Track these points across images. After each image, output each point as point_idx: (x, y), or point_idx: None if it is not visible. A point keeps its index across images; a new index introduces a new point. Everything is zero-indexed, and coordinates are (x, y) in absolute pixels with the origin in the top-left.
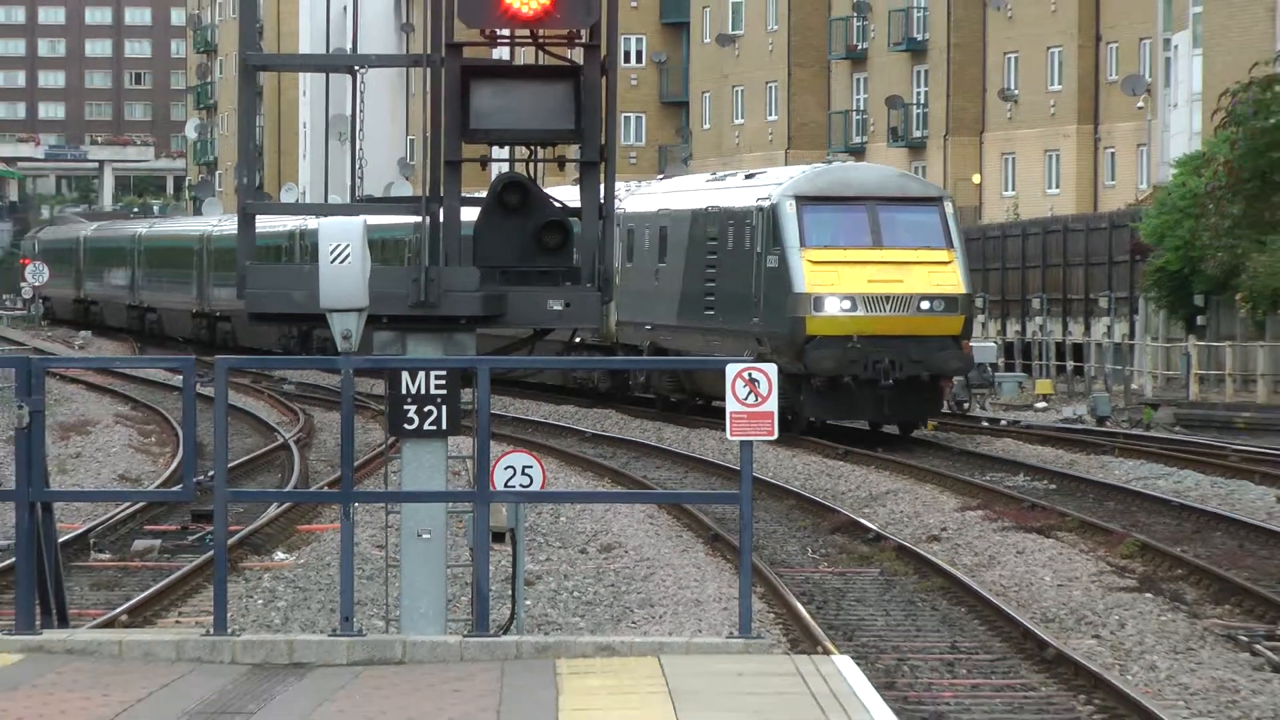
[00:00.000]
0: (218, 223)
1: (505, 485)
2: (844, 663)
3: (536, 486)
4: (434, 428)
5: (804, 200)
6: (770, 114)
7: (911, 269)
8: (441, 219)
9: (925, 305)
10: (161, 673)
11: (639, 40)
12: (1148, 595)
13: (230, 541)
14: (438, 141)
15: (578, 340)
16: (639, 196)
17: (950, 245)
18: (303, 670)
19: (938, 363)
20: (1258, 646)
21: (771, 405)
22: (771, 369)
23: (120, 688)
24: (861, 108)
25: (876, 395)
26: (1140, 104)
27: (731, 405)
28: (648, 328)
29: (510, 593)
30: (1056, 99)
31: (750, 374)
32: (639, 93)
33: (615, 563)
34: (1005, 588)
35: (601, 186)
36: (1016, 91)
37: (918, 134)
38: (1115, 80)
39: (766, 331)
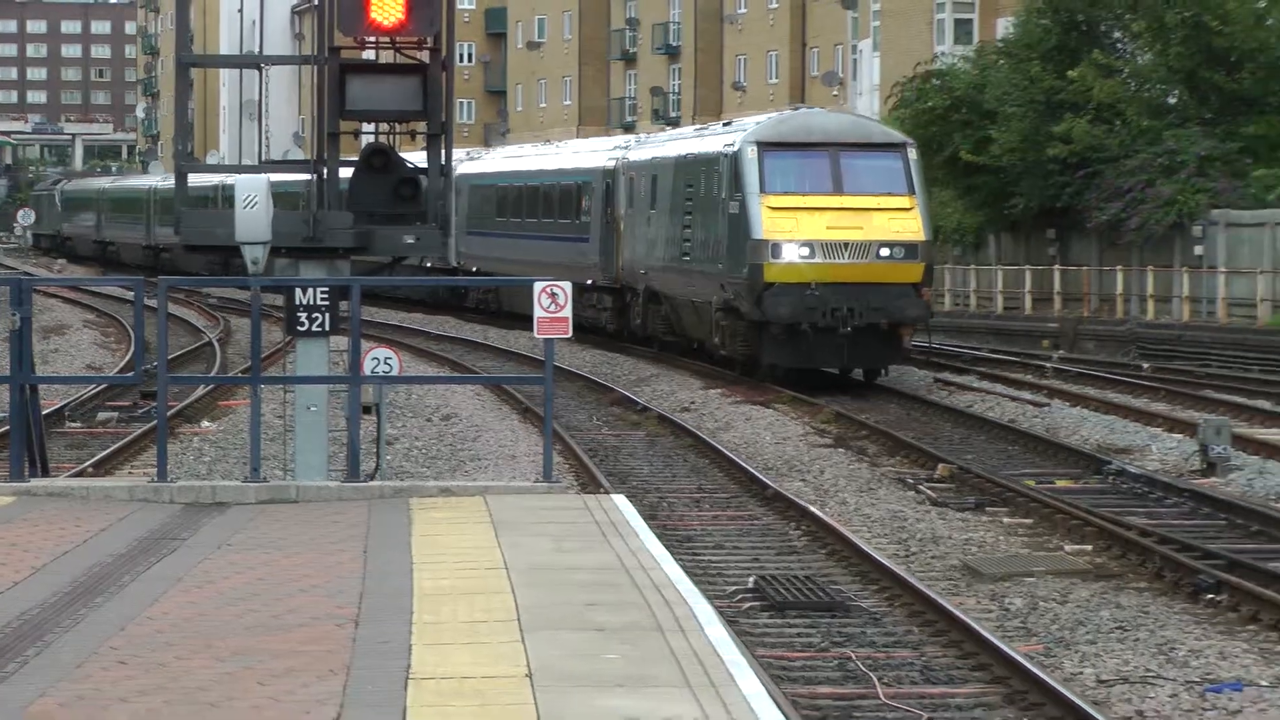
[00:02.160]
0: (161, 179)
1: (372, 371)
2: (620, 500)
3: (395, 372)
4: (319, 329)
5: (765, 146)
6: (566, 100)
7: (872, 215)
8: (325, 176)
9: (885, 252)
10: (119, 510)
11: (470, 45)
12: (841, 450)
13: (169, 414)
14: (323, 119)
15: (589, 282)
16: (640, 149)
17: (912, 191)
18: (223, 507)
19: (896, 310)
20: (920, 487)
21: (567, 312)
22: (567, 286)
23: (89, 520)
24: (633, 96)
25: (835, 343)
26: (835, 93)
27: (538, 312)
28: (642, 271)
29: (375, 450)
30: (774, 89)
31: (552, 289)
32: (469, 84)
33: (453, 429)
34: (737, 445)
35: (442, 152)
36: (745, 84)
37: (674, 115)
38: (817, 75)
39: (728, 278)
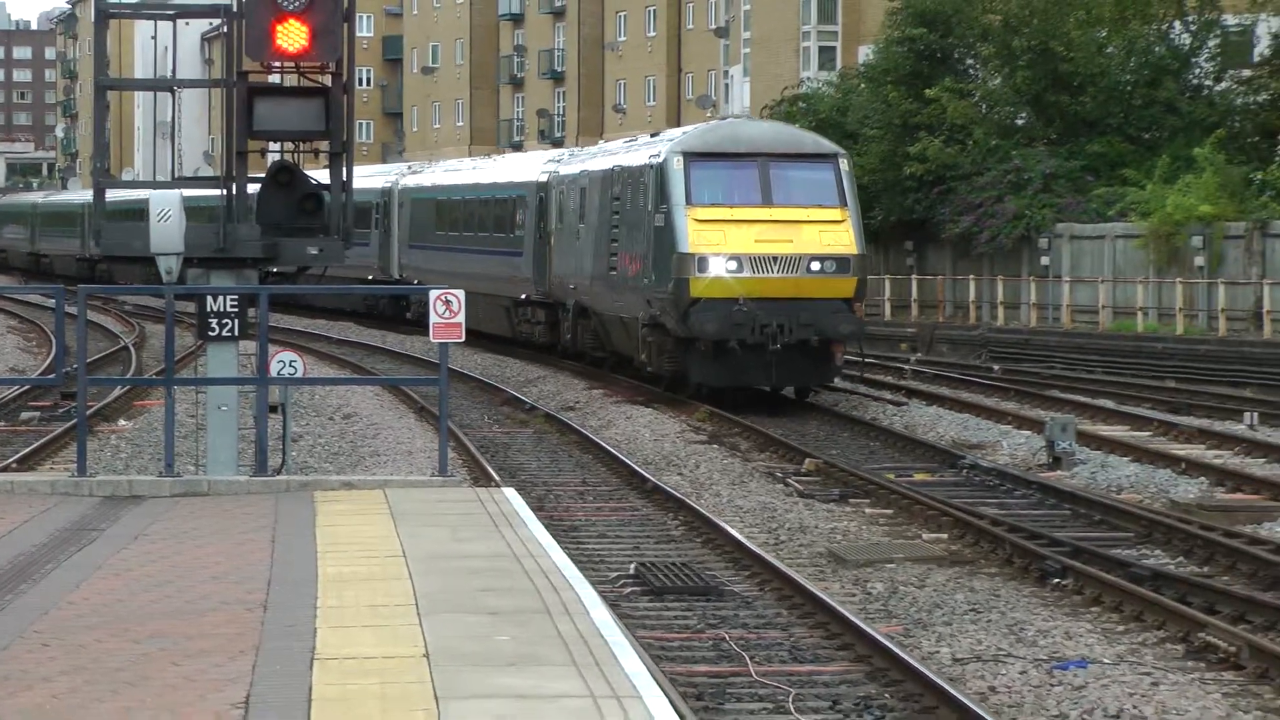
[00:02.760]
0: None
1: (278, 373)
2: (510, 493)
3: (300, 374)
4: (229, 334)
5: (692, 156)
6: (458, 121)
7: (802, 228)
8: (234, 192)
9: (815, 266)
10: (41, 503)
11: (368, 70)
12: (715, 446)
13: (88, 413)
14: (232, 139)
15: (523, 296)
16: (570, 162)
17: (843, 204)
18: (140, 500)
19: (828, 326)
20: (789, 480)
21: (460, 319)
22: (459, 294)
23: (13, 512)
24: (520, 117)
25: (764, 360)
26: (709, 114)
27: (433, 318)
28: (571, 286)
29: (281, 447)
30: (652, 111)
31: (446, 297)
32: (368, 106)
33: (353, 426)
34: (619, 442)
35: (343, 169)
36: (625, 106)
37: (559, 135)
38: (692, 99)
39: (654, 293)
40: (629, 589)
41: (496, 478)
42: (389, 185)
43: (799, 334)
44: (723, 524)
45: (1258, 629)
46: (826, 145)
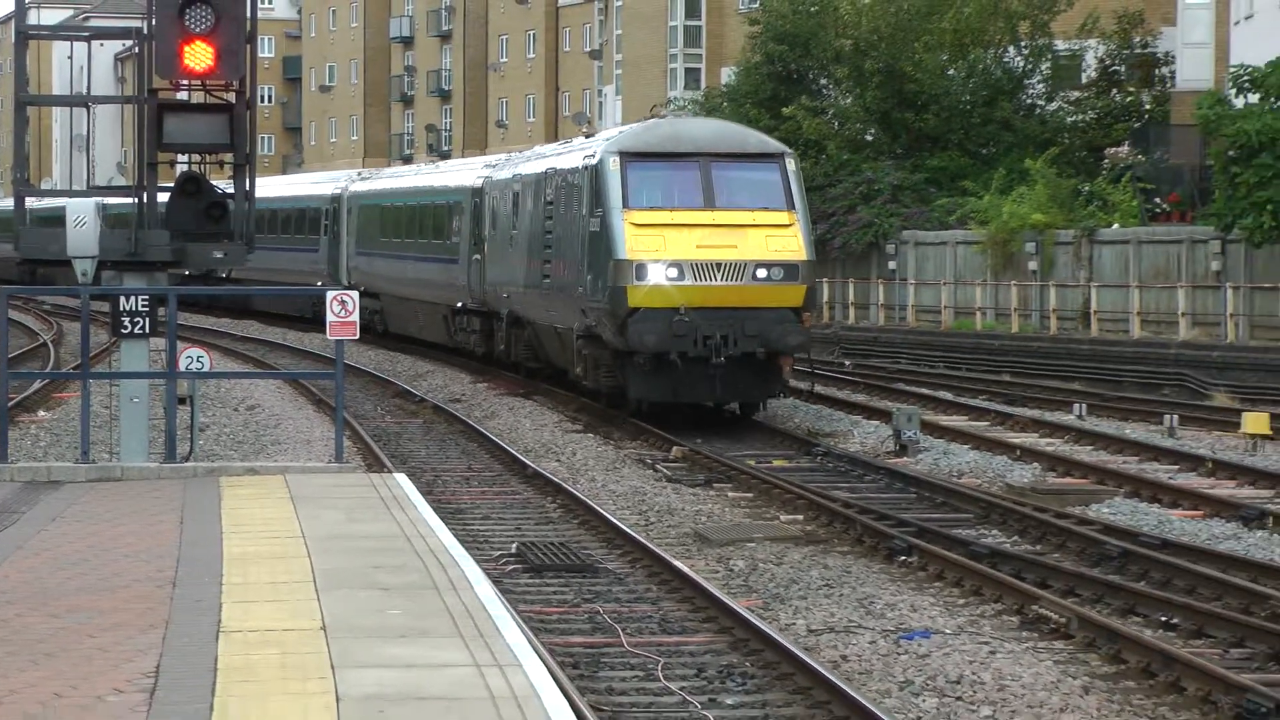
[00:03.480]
0: (36, 202)
1: (186, 368)
2: (401, 478)
3: (206, 368)
4: (141, 332)
5: (629, 156)
6: (353, 135)
7: (747, 233)
8: (145, 200)
9: (761, 274)
10: None
11: (269, 88)
12: (590, 435)
13: (10, 404)
14: (143, 151)
15: (459, 304)
16: (504, 166)
17: (791, 206)
18: (57, 485)
19: (775, 338)
20: (658, 466)
21: (354, 317)
22: (354, 295)
23: None
24: (410, 132)
25: (707, 375)
26: (584, 130)
27: (330, 317)
28: (504, 295)
29: (190, 436)
30: (532, 126)
31: (342, 298)
32: (269, 122)
33: (257, 417)
34: (502, 431)
35: (245, 179)
36: (507, 122)
37: (445, 149)
38: (568, 115)
39: (589, 302)
40: (511, 567)
41: (389, 464)
42: (338, 192)
43: (744, 346)
44: (597, 507)
45: (1085, 602)
46: (772, 144)
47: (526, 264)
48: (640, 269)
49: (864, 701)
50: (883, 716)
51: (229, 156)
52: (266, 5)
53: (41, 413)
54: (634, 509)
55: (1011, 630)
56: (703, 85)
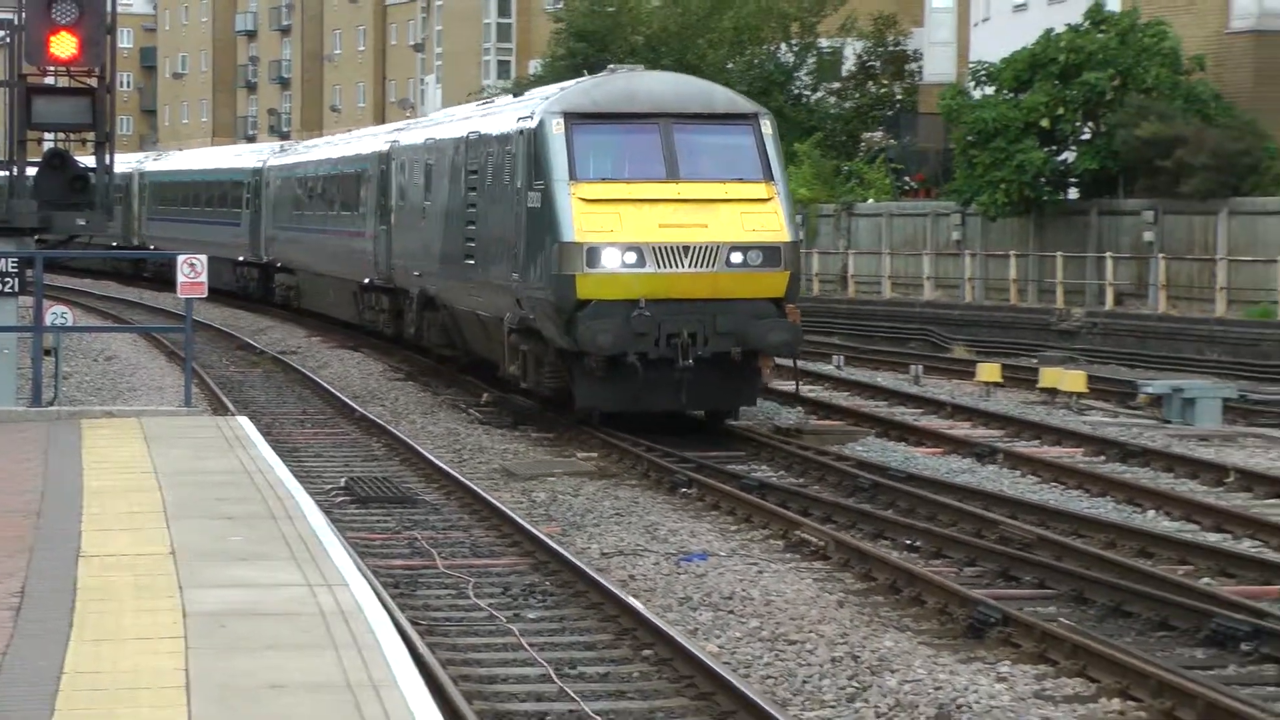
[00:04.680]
0: None
1: (51, 323)
2: (243, 420)
3: (70, 323)
4: (10, 291)
5: (575, 118)
6: (203, 117)
7: (718, 209)
8: (15, 174)
9: (736, 258)
10: None
11: (128, 75)
12: (411, 383)
13: None
14: (13, 129)
15: (366, 281)
16: (414, 129)
17: (770, 177)
18: None
19: (755, 335)
20: (470, 410)
21: (204, 279)
22: (203, 258)
23: None
24: (254, 115)
25: (672, 379)
26: (408, 114)
27: (180, 278)
28: (416, 274)
29: (54, 383)
30: (362, 111)
31: (191, 260)
32: (128, 105)
33: (114, 367)
34: (333, 379)
35: (106, 155)
36: (340, 107)
37: (285, 130)
38: (394, 101)
39: (527, 291)
40: (340, 499)
41: (232, 408)
42: (260, 165)
43: (716, 345)
44: (416, 445)
45: (841, 528)
46: (744, 103)
47: (443, 241)
48: (592, 254)
49: (648, 614)
50: (665, 627)
51: (91, 135)
52: (125, 1)
53: None
54: (449, 448)
55: (777, 553)
56: (513, 76)
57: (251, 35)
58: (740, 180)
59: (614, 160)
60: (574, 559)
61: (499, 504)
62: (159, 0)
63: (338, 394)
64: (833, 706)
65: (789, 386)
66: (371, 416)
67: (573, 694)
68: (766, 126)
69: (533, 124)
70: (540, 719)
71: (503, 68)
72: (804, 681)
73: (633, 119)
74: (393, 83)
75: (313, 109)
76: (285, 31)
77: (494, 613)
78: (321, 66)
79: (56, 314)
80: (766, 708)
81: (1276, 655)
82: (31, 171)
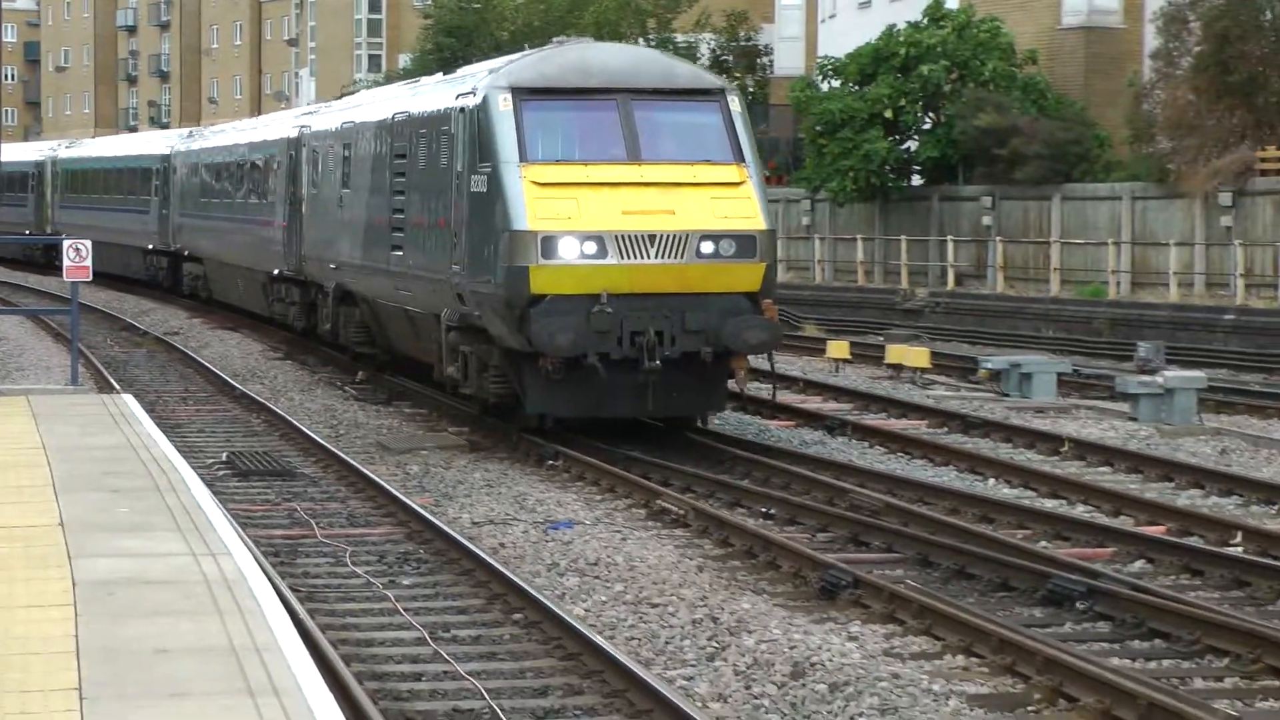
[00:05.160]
0: None
1: None
2: (128, 398)
3: None
4: None
5: (524, 93)
6: (85, 109)
7: (685, 194)
8: None
9: (707, 248)
10: None
11: (13, 69)
12: (289, 362)
13: None
14: None
15: (275, 272)
16: (327, 113)
17: (740, 159)
18: None
19: (730, 334)
20: (346, 388)
21: (88, 263)
22: (88, 243)
23: None
24: (135, 107)
25: (636, 382)
26: (283, 106)
27: (66, 262)
28: (332, 266)
29: None
30: (239, 103)
31: (76, 245)
32: (12, 97)
33: (2, 347)
34: (214, 359)
35: None
36: (218, 99)
37: (165, 121)
38: (270, 93)
39: (471, 285)
40: (222, 472)
41: (117, 386)
42: (168, 152)
43: (685, 344)
44: (295, 421)
45: (700, 497)
46: (708, 77)
47: (366, 231)
48: (547, 243)
49: (518, 580)
50: (534, 592)
51: None
52: None
53: None
54: (326, 423)
55: (640, 521)
56: (383, 69)
57: (132, 30)
58: (708, 162)
59: (567, 140)
60: (446, 528)
61: (374, 476)
62: None
63: (218, 372)
64: (693, 665)
65: (762, 390)
66: (251, 394)
67: (446, 656)
68: (735, 104)
69: (475, 100)
70: (416, 679)
71: (374, 61)
72: (666, 642)
73: (587, 94)
74: (268, 76)
75: (191, 101)
76: (164, 27)
77: (371, 579)
78: (200, 60)
79: None
80: (632, 667)
81: (1109, 613)
82: None
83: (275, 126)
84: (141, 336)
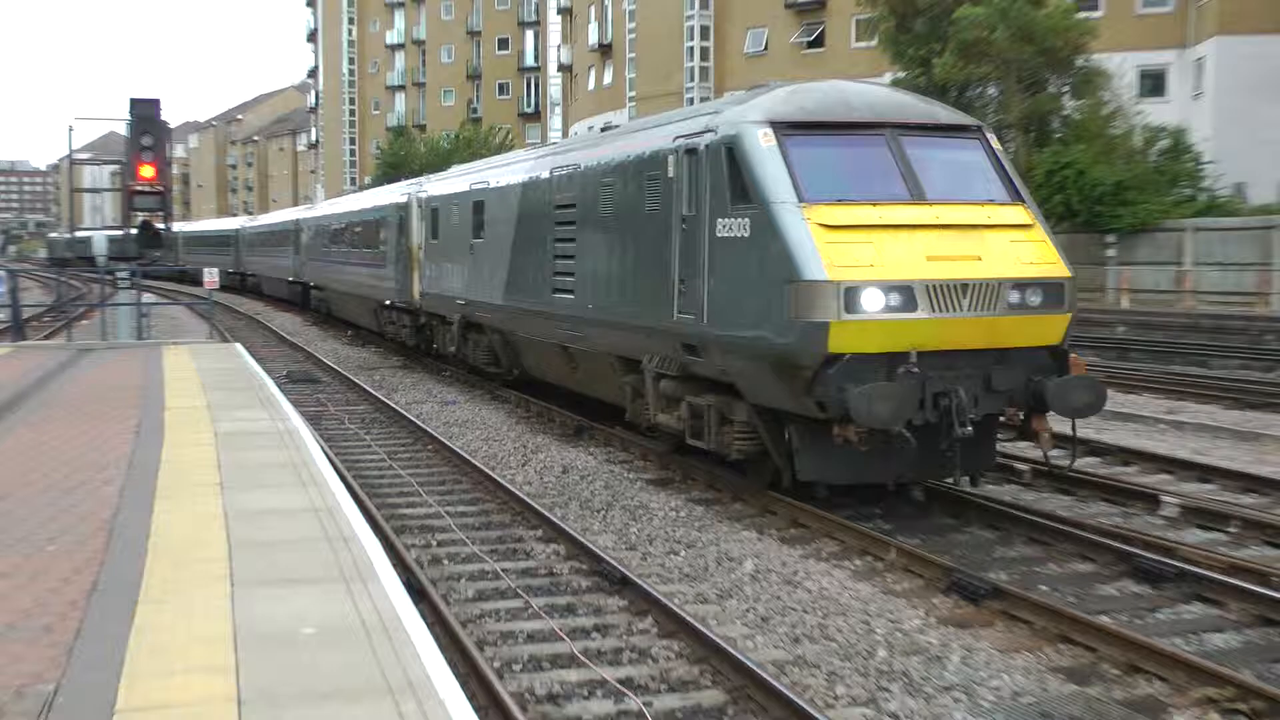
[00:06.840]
0: (242, 224)
1: (144, 300)
2: (238, 346)
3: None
4: (127, 286)
5: (785, 128)
6: (210, 205)
7: (987, 237)
8: (125, 232)
9: (1014, 297)
10: (51, 353)
11: (177, 186)
12: (316, 327)
13: (72, 317)
14: (125, 210)
15: (387, 302)
16: (436, 183)
17: (1020, 198)
18: (90, 350)
19: (1052, 394)
20: (344, 340)
21: (216, 281)
22: (215, 271)
23: (35, 357)
24: (235, 205)
25: (936, 447)
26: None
27: (206, 278)
28: (460, 303)
29: (147, 328)
30: (286, 201)
31: (210, 272)
32: (175, 199)
33: (175, 323)
34: (279, 326)
35: (167, 222)
36: (278, 200)
37: (250, 211)
38: (302, 196)
39: (719, 339)
40: (283, 381)
41: (229, 337)
42: (298, 218)
43: (988, 405)
44: (318, 355)
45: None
46: (962, 115)
47: (508, 274)
48: (850, 295)
49: (427, 428)
50: (434, 433)
51: (160, 213)
52: (174, 150)
53: (84, 321)
54: (333, 355)
55: (488, 401)
56: (357, 182)
57: (233, 167)
58: (992, 202)
59: (845, 178)
60: (394, 405)
61: (358, 380)
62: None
63: (279, 332)
64: (516, 469)
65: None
66: (298, 343)
67: (397, 468)
68: (993, 141)
69: (715, 138)
70: (379, 477)
71: (353, 179)
72: (500, 460)
73: (854, 129)
74: (301, 189)
75: (263, 202)
76: (250, 164)
77: (356, 430)
78: (268, 181)
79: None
80: (482, 467)
81: None
82: (133, 232)
83: (384, 195)
84: (242, 318)
